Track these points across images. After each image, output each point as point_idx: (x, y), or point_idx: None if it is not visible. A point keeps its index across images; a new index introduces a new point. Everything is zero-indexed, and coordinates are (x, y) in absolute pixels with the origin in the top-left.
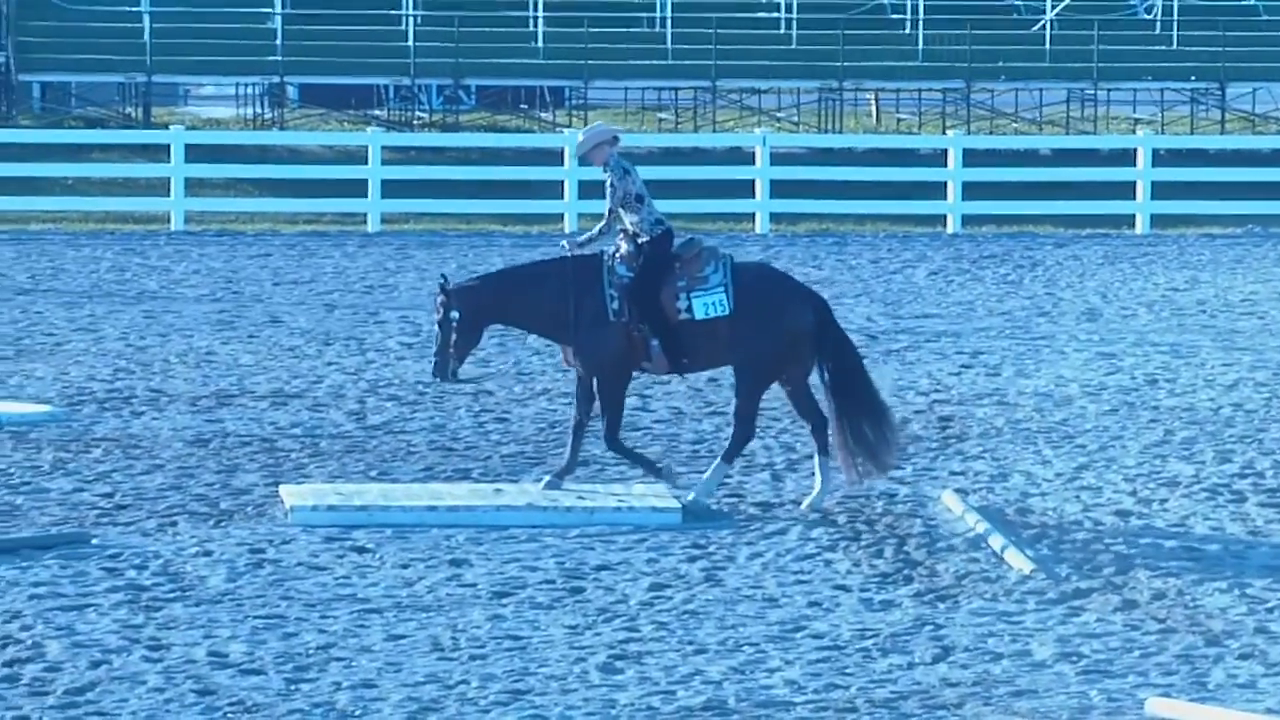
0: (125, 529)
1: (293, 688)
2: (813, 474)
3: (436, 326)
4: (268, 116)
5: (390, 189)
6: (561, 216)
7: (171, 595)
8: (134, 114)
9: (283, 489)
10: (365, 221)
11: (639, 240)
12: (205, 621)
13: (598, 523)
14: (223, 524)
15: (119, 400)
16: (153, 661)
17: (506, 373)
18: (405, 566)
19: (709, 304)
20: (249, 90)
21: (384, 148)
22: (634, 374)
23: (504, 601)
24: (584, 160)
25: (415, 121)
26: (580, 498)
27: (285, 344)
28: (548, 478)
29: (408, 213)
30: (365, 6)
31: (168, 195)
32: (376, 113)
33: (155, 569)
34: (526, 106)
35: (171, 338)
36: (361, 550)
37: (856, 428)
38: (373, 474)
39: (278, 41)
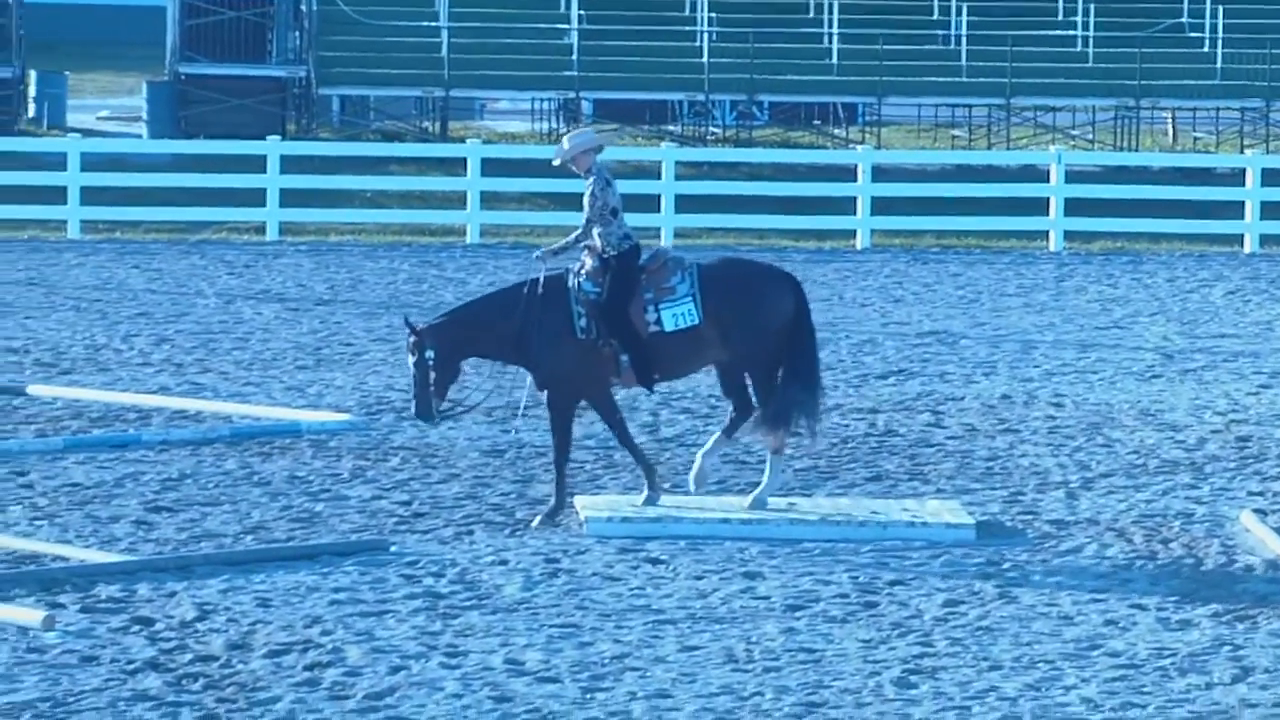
0: (423, 537)
1: (588, 696)
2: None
3: (412, 367)
4: (563, 131)
5: (683, 204)
6: (854, 233)
7: (468, 603)
8: (431, 128)
9: (578, 500)
10: (659, 236)
11: (605, 255)
12: (502, 630)
13: (891, 537)
14: (518, 533)
15: None
16: (450, 668)
17: None
18: (699, 578)
19: (678, 315)
20: (544, 105)
21: (677, 163)
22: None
23: (797, 615)
24: (567, 165)
25: (709, 137)
26: (874, 513)
27: None
28: (540, 516)
29: (700, 228)
30: (660, 22)
31: (464, 208)
32: (670, 128)
33: (452, 577)
34: (820, 122)
35: None
36: (655, 561)
37: (798, 391)
38: (666, 486)
39: (573, 56)
